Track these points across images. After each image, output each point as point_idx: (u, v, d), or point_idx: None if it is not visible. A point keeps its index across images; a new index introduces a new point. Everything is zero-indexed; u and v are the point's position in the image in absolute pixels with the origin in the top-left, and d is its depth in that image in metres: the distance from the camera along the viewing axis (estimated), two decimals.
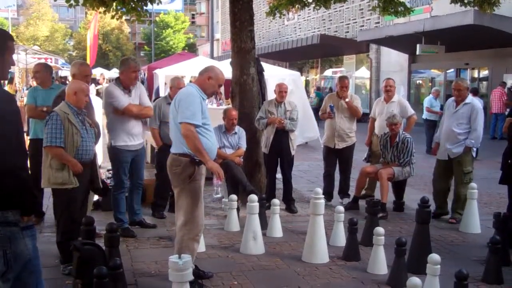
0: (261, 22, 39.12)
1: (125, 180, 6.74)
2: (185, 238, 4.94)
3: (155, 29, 57.70)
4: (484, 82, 21.76)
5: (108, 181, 8.21)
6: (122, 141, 6.56)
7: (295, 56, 34.77)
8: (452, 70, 23.11)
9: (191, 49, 57.71)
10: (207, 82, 5.02)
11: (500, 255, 5.45)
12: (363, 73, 29.00)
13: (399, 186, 8.33)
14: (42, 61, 13.93)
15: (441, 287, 4.61)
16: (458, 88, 7.59)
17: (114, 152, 6.63)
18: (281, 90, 8.14)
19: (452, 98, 7.81)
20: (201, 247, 6.09)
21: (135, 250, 6.12)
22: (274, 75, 13.28)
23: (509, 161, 6.30)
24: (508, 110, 16.98)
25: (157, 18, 60.09)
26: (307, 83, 34.71)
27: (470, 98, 7.75)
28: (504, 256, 5.72)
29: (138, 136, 6.74)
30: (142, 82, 25.79)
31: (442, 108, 13.30)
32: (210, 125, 5.04)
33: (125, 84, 6.61)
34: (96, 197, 7.41)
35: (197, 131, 4.81)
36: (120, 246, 5.16)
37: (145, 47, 63.46)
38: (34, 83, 9.27)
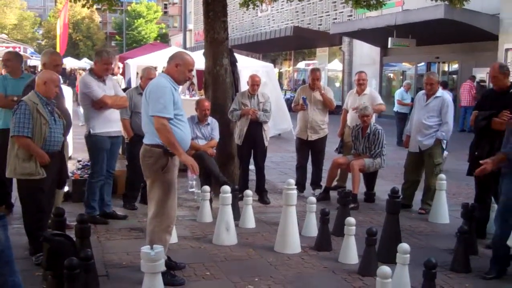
0: (234, 13, 38.98)
1: (104, 168, 6.73)
2: (156, 230, 4.92)
3: (127, 18, 57.09)
4: (454, 76, 22.05)
5: (79, 172, 8.14)
6: (101, 128, 6.55)
7: (269, 48, 34.77)
8: (423, 63, 23.35)
9: (163, 40, 57.28)
10: (176, 70, 4.92)
11: (468, 245, 5.56)
12: (336, 65, 29.14)
13: (370, 177, 8.42)
14: (11, 49, 13.68)
15: (411, 275, 4.69)
16: (430, 82, 7.70)
17: (93, 140, 6.59)
18: (253, 84, 8.13)
19: (423, 91, 7.93)
20: (174, 238, 6.09)
21: (106, 242, 6.08)
22: (248, 66, 13.27)
23: (476, 153, 6.40)
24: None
25: (128, 8, 59.50)
26: (280, 75, 34.77)
27: (440, 91, 7.88)
28: (472, 245, 5.84)
29: (116, 123, 6.80)
30: (113, 73, 25.58)
31: (413, 101, 13.44)
32: (184, 115, 5.00)
33: (97, 74, 6.61)
34: (66, 188, 7.33)
35: (170, 122, 4.78)
36: (91, 237, 5.13)
37: (117, 36, 62.84)
38: (3, 72, 9.13)
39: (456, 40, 20.01)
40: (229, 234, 6.14)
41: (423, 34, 19.98)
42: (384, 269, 4.14)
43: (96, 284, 4.63)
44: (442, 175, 7.52)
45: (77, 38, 55.54)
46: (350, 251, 5.58)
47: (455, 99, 18.37)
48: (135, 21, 60.07)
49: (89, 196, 6.72)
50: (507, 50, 17.26)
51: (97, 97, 6.45)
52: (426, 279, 4.40)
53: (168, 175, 4.91)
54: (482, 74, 19.16)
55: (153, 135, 4.83)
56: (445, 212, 7.38)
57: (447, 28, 18.26)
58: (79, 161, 9.10)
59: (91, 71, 6.72)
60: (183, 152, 4.80)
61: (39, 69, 15.51)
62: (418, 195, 7.96)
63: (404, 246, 4.67)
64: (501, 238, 5.17)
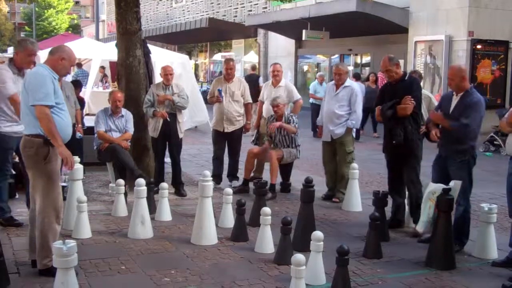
0: (148, 4, 38.38)
1: (9, 167, 6.38)
2: (46, 221, 4.83)
3: (36, 8, 54.98)
4: (367, 68, 22.65)
5: None
6: (8, 126, 6.14)
7: (184, 39, 34.47)
8: (336, 56, 23.82)
9: (75, 30, 55.58)
10: (60, 63, 4.91)
11: (379, 231, 5.75)
12: (252, 57, 29.27)
13: (285, 168, 8.53)
14: None
15: (325, 262, 4.81)
16: (339, 72, 7.90)
17: None
18: (166, 73, 8.06)
19: (333, 81, 8.13)
20: (87, 233, 5.97)
21: (16, 238, 5.87)
22: (163, 58, 13.11)
23: (393, 142, 6.50)
24: None
25: None
26: (196, 67, 34.58)
27: (349, 81, 8.08)
28: (383, 232, 6.04)
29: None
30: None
31: None
32: (64, 104, 4.95)
33: (18, 65, 6.14)
34: None
35: (51, 111, 4.72)
36: (0, 234, 4.93)
37: (26, 27, 60.37)
38: None
39: (368, 33, 20.56)
40: (145, 227, 6.07)
41: (336, 26, 20.40)
42: (298, 256, 4.21)
43: (6, 282, 4.47)
44: (355, 164, 7.72)
45: None
46: (266, 241, 5.65)
47: None
48: (45, 11, 57.93)
49: None
50: (416, 42, 17.90)
51: (7, 94, 6.01)
52: (338, 265, 4.51)
53: (50, 165, 4.81)
54: None
55: (33, 125, 4.75)
56: (357, 200, 7.59)
57: (359, 21, 18.73)
58: None
59: (11, 62, 6.17)
60: (62, 143, 4.74)
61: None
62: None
63: (317, 234, 4.77)
64: None
